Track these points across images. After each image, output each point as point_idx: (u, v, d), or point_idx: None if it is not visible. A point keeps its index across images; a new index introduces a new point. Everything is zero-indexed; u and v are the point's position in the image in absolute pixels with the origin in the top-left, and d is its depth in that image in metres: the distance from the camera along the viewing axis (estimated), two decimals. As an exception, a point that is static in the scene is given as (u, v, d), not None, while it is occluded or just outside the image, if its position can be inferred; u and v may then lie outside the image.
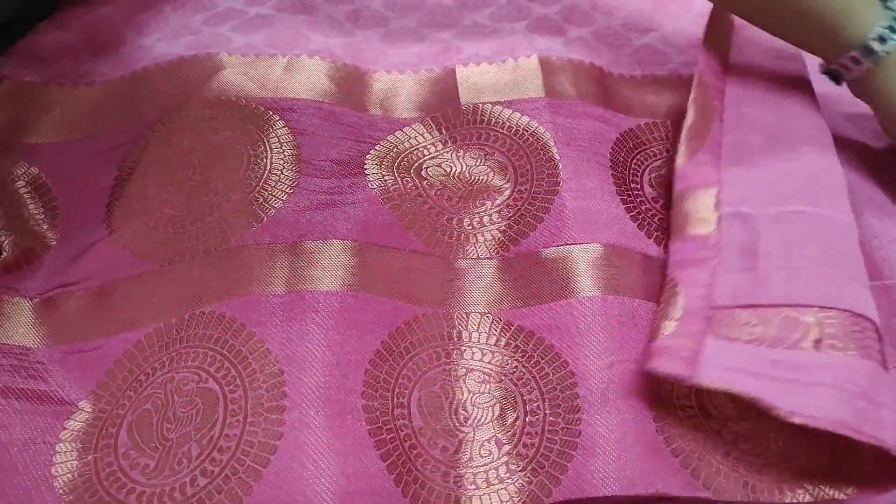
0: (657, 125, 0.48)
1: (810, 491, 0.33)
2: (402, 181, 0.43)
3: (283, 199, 0.41)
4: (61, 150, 0.46)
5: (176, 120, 0.45)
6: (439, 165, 0.44)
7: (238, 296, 0.37)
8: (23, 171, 0.45)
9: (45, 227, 0.43)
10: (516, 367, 0.37)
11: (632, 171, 0.45)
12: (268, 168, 0.42)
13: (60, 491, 0.33)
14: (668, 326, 0.36)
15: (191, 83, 0.47)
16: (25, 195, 0.44)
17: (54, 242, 0.42)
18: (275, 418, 0.33)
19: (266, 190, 0.42)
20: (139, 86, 0.48)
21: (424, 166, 0.44)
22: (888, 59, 0.41)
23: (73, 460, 0.34)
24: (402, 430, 0.35)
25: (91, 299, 0.39)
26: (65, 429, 0.35)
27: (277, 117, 0.44)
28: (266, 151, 0.43)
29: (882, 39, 0.40)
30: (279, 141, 0.43)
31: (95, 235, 0.42)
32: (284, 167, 0.42)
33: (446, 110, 0.47)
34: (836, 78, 0.45)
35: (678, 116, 0.48)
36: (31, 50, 0.50)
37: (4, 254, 0.41)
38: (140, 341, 0.37)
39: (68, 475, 0.33)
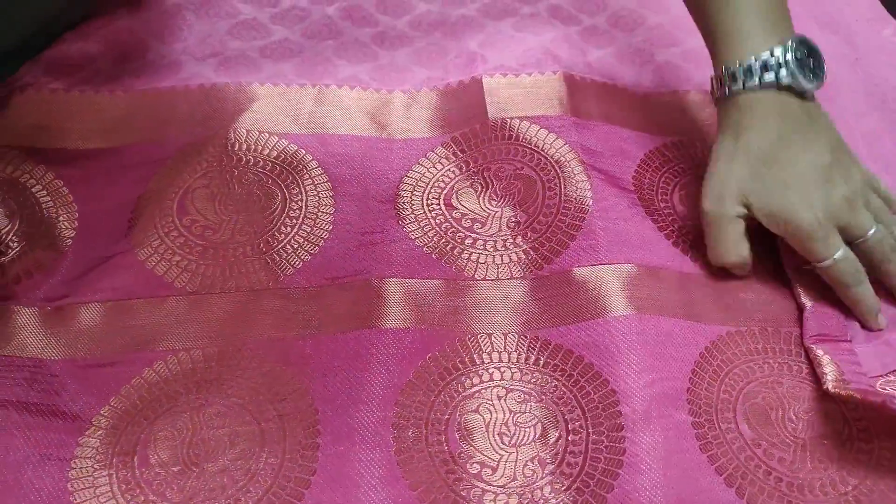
0: (683, 143, 0.48)
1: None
2: (431, 213, 0.44)
3: (320, 244, 0.42)
4: (83, 158, 0.46)
5: (210, 149, 0.45)
6: (466, 190, 0.45)
7: (272, 337, 0.38)
8: (42, 176, 0.44)
9: (61, 234, 0.42)
10: (556, 385, 0.37)
11: (660, 191, 0.45)
12: (303, 212, 0.43)
13: None
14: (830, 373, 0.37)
15: (224, 113, 0.47)
16: (43, 201, 0.43)
17: (69, 250, 0.42)
18: (310, 455, 0.35)
19: (301, 235, 0.42)
20: (168, 106, 0.48)
21: (453, 194, 0.45)
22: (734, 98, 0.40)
23: (89, 476, 0.33)
24: (437, 457, 0.35)
25: (105, 314, 0.39)
26: (79, 444, 0.34)
27: (311, 157, 0.45)
28: (301, 194, 0.44)
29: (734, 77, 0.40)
30: (313, 183, 0.45)
31: (114, 249, 0.41)
32: (319, 210, 0.43)
33: (474, 126, 0.47)
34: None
35: (704, 133, 0.49)
36: (56, 59, 0.50)
37: (11, 254, 0.41)
38: (160, 363, 0.37)
39: (86, 491, 0.33)
